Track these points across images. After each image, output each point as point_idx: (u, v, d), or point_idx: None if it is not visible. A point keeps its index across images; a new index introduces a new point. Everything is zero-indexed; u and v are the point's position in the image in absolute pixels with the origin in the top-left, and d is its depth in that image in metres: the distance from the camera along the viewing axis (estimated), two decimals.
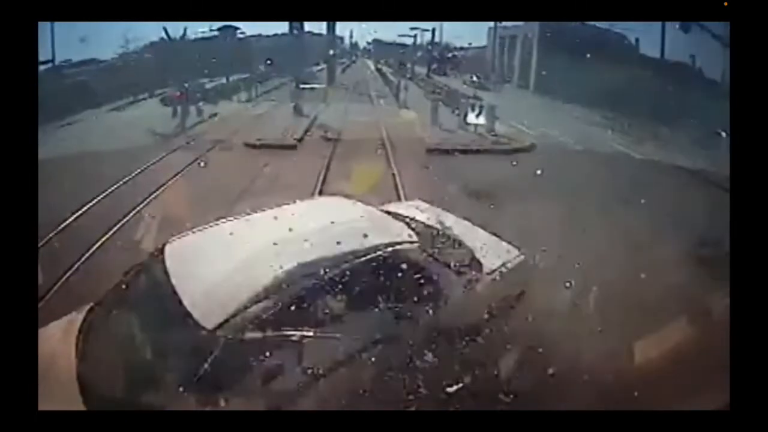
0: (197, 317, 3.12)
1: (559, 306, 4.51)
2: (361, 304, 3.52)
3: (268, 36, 19.71)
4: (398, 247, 3.64)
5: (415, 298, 3.68)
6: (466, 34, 20.50)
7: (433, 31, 20.37)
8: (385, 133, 12.28)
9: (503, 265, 4.27)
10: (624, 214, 7.06)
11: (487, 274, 4.17)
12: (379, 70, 24.36)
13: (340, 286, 3.39)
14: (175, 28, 14.44)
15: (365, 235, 3.59)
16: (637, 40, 12.92)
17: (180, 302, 3.19)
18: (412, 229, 4.06)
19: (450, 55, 21.30)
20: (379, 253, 3.51)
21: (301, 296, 3.28)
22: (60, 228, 6.95)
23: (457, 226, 4.68)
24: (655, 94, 10.93)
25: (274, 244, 3.51)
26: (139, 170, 8.80)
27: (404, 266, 3.59)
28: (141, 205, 7.67)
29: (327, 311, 3.39)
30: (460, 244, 4.32)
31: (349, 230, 3.69)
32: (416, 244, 3.77)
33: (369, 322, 3.56)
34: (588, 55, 11.64)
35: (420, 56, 22.15)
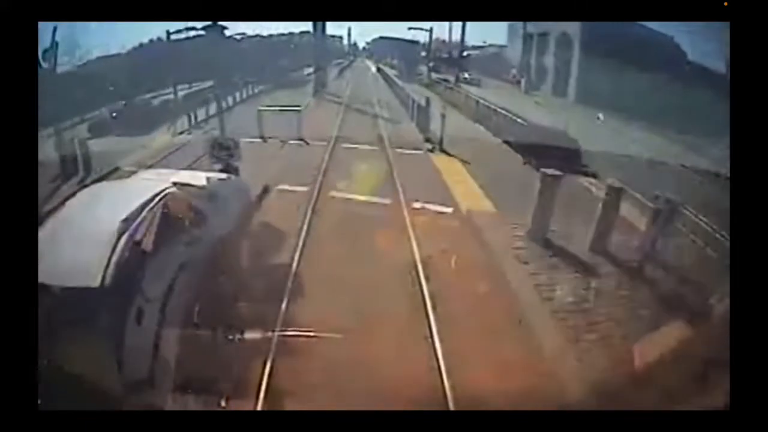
0: (81, 285, 3.63)
1: None
2: (168, 234, 4.74)
3: (251, 37, 16.27)
4: (171, 190, 5.28)
5: (199, 221, 5.39)
6: (480, 31, 16.97)
7: (464, 27, 15.40)
8: (421, 270, 5.48)
9: (221, 182, 6.64)
10: None
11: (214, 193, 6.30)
12: (380, 70, 20.57)
13: (155, 220, 4.67)
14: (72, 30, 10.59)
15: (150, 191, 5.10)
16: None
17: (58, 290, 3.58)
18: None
19: (464, 54, 17.50)
20: (163, 194, 5.05)
21: (134, 238, 4.28)
22: None
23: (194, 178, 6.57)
24: None
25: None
26: None
27: (181, 202, 5.31)
28: None
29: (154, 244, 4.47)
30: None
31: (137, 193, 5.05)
32: (174, 187, 5.45)
33: (176, 251, 4.78)
34: (648, 60, 8.70)
35: (423, 55, 18.15)
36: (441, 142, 10.64)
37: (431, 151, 10.63)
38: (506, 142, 10.04)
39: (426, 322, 4.95)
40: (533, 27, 14.22)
